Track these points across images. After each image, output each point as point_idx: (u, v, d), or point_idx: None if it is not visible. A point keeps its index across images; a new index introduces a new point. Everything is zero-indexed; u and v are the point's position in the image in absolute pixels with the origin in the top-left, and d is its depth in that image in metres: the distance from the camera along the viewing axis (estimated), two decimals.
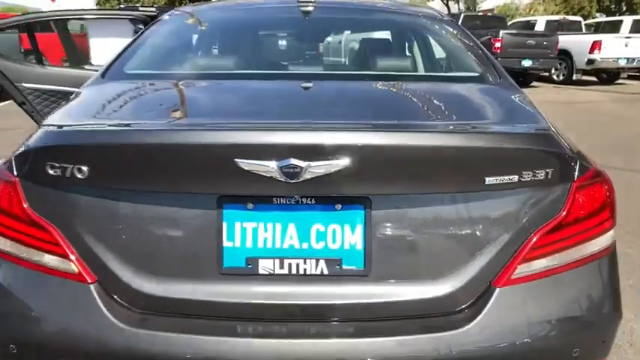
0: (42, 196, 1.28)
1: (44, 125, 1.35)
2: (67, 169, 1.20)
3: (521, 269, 1.27)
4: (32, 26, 3.15)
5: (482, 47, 2.05)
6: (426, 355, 1.20)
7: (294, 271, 1.24)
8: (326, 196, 1.23)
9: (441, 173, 1.22)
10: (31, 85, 3.17)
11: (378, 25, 2.33)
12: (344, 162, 1.14)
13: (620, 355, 2.30)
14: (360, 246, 1.24)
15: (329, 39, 2.50)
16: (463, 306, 1.26)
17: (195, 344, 1.21)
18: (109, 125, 1.38)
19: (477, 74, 1.85)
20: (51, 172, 1.22)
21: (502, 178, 1.20)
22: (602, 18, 21.40)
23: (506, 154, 1.23)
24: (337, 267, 1.25)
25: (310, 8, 2.21)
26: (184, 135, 1.22)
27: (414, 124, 1.36)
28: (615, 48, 13.31)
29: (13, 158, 1.30)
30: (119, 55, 1.98)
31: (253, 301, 1.24)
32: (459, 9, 35.36)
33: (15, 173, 1.29)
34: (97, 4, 28.75)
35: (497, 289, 1.26)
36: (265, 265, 1.24)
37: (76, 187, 1.24)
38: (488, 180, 1.20)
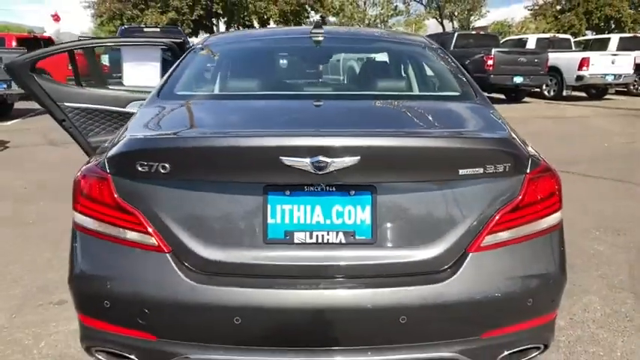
0: (129, 187, 1.71)
1: (131, 135, 1.78)
2: (153, 166, 1.64)
3: (488, 239, 1.70)
4: (72, 52, 3.60)
5: (464, 71, 2.52)
6: (417, 302, 1.63)
7: (319, 241, 1.68)
8: (343, 184, 1.66)
9: (427, 166, 1.66)
10: (72, 104, 3.62)
11: (377, 52, 2.79)
12: (356, 159, 1.58)
13: (584, 329, 2.73)
14: (368, 221, 1.68)
15: (336, 64, 2.98)
16: (445, 267, 1.70)
17: (247, 295, 1.63)
18: (182, 133, 1.80)
19: (458, 94, 2.32)
20: (140, 169, 1.65)
21: (472, 170, 1.65)
22: (591, 36, 22.03)
23: (475, 153, 1.68)
24: (351, 237, 1.68)
25: (320, 38, 2.68)
26: (241, 139, 1.65)
27: (408, 131, 1.82)
28: (602, 65, 13.81)
29: (105, 159, 1.73)
30: (167, 79, 2.41)
31: (289, 263, 1.67)
32: (453, 27, 36.05)
33: (108, 171, 1.73)
34: (99, 24, 29.39)
35: (470, 254, 1.70)
36: (299, 237, 1.68)
37: (158, 180, 1.67)
38: (461, 172, 1.64)
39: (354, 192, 1.68)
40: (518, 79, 13.38)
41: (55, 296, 3.09)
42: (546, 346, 1.86)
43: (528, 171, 1.74)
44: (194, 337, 1.69)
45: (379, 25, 37.50)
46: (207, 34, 15.63)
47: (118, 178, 1.71)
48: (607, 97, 15.57)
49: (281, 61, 2.84)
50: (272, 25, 27.21)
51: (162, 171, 1.64)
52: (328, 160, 1.57)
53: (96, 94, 3.68)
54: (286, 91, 2.52)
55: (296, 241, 1.68)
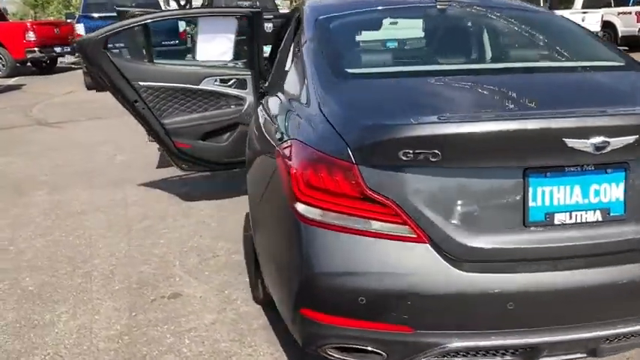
0: (380, 177, 1.59)
1: (384, 121, 1.64)
2: (422, 154, 1.52)
3: None
4: (147, 26, 3.31)
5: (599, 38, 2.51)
6: None
7: (579, 220, 1.64)
8: (600, 163, 1.61)
9: None
10: (146, 83, 3.35)
11: (515, 21, 2.70)
12: (634, 137, 1.54)
13: None
14: (622, 198, 1.65)
15: (476, 34, 2.86)
16: None
17: (514, 280, 1.59)
18: (449, 118, 1.63)
19: (622, 63, 2.31)
20: (403, 157, 1.53)
21: None
22: None
23: None
24: (607, 215, 1.65)
25: (447, 7, 2.57)
26: (526, 122, 1.56)
27: None
28: None
29: (350, 150, 1.60)
30: (322, 57, 2.23)
31: (550, 245, 1.62)
32: None
33: (354, 160, 1.59)
34: None
35: None
36: (559, 218, 1.63)
37: (417, 167, 1.57)
38: None
39: (610, 170, 1.64)
40: None
41: (162, 290, 2.92)
42: None
43: None
44: (456, 326, 1.63)
45: None
46: None
47: (367, 167, 1.59)
48: None
49: (427, 33, 2.70)
50: None
51: (432, 159, 1.53)
52: (610, 140, 1.53)
53: (170, 71, 3.44)
54: (461, 65, 2.42)
55: (556, 222, 1.63)
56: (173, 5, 15.81)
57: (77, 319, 2.68)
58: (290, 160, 1.79)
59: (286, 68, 3.52)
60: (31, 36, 13.50)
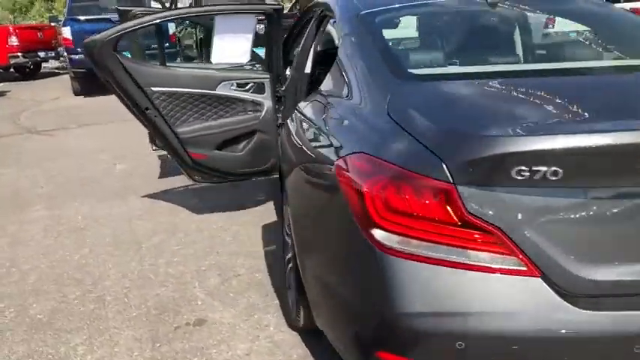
0: (483, 199, 1.35)
1: (493, 132, 1.38)
2: (540, 172, 1.29)
3: None
4: (160, 26, 3.04)
5: None
6: None
7: None
8: None
9: None
10: (159, 89, 3.08)
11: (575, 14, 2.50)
12: None
13: None
14: None
15: (530, 29, 2.63)
16: None
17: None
18: (567, 129, 1.41)
19: None
20: (516, 176, 1.29)
21: None
22: None
23: None
24: None
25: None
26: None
27: None
28: None
29: (447, 167, 1.36)
30: (381, 57, 1.99)
31: None
32: None
33: (452, 180, 1.35)
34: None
35: None
36: None
37: (526, 188, 1.33)
38: None
39: None
40: None
41: (185, 316, 2.66)
42: None
43: None
44: None
45: None
46: None
47: (468, 187, 1.35)
48: None
49: (489, 29, 2.45)
50: None
51: (551, 178, 1.30)
52: None
53: (185, 75, 3.18)
54: (542, 64, 2.18)
55: None
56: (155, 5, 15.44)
57: (95, 351, 2.41)
58: (359, 176, 1.55)
59: (306, 71, 3.28)
60: (14, 41, 13.05)
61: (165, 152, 4.56)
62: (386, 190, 1.44)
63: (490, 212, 1.36)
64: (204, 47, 8.72)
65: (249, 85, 3.33)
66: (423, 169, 1.40)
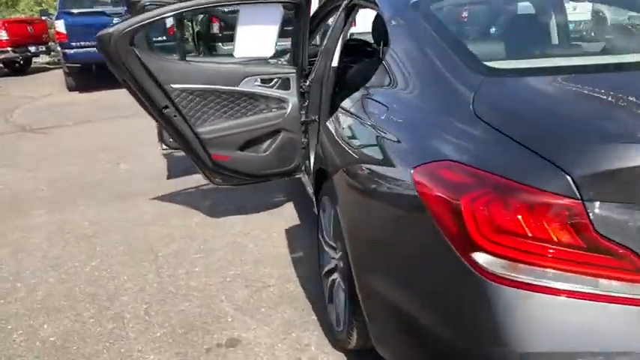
0: (614, 218, 1.14)
1: (618, 141, 1.18)
2: None
3: None
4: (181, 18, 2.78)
5: None
6: None
7: None
8: None
9: None
10: (179, 86, 2.82)
11: None
12: None
13: None
14: None
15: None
16: None
17: None
18: None
19: None
20: None
21: None
22: None
23: None
24: None
25: None
26: None
27: None
28: None
29: (574, 180, 1.13)
30: (451, 49, 1.75)
31: None
32: None
33: (579, 195, 1.13)
34: None
35: None
36: None
37: None
38: None
39: None
40: None
41: (215, 336, 2.41)
42: None
43: None
44: None
45: None
46: None
47: (598, 205, 1.13)
48: None
49: (540, 19, 2.23)
50: None
51: None
52: None
53: (207, 70, 2.91)
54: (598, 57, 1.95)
55: None
56: None
57: None
58: (451, 189, 1.31)
59: (334, 64, 3.05)
60: (3, 35, 12.65)
61: (172, 151, 4.33)
62: (491, 206, 1.21)
63: (621, 232, 1.14)
64: (200, 40, 8.49)
65: (274, 81, 3.07)
66: (540, 182, 1.17)
